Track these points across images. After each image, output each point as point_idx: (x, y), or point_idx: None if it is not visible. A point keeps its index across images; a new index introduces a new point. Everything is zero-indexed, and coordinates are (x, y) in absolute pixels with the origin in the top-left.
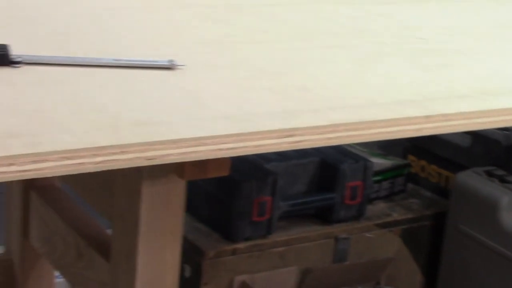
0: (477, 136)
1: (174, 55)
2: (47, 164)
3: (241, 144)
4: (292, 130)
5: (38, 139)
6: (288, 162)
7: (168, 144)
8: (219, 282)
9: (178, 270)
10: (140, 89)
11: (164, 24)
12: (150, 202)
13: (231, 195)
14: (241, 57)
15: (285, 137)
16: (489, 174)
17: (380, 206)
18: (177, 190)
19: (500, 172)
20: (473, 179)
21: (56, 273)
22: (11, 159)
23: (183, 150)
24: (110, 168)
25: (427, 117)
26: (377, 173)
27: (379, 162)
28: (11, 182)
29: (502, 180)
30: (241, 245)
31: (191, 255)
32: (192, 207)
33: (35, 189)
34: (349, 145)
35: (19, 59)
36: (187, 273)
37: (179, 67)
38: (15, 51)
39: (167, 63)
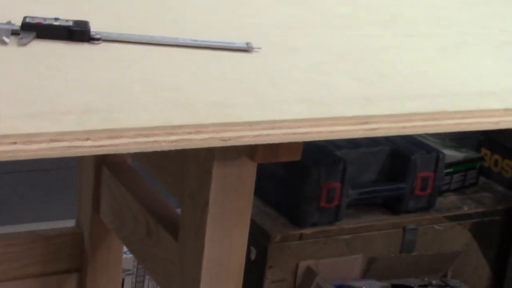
0: None
1: (251, 38)
2: (122, 140)
3: (315, 129)
4: (367, 118)
5: (114, 115)
6: (358, 150)
7: (243, 126)
8: (284, 266)
9: (245, 252)
10: (216, 70)
11: (242, 6)
12: (221, 183)
13: (300, 180)
14: (319, 41)
15: (360, 124)
16: None
17: (450, 199)
18: (248, 172)
19: None
20: None
21: (124, 249)
22: (87, 134)
23: (258, 132)
24: (184, 148)
25: (506, 110)
26: (449, 165)
27: (451, 154)
28: (84, 156)
29: None
30: (307, 231)
31: (258, 238)
32: (261, 191)
33: (107, 165)
34: (421, 135)
35: (98, 36)
36: (253, 256)
37: (256, 49)
38: (94, 28)
39: (244, 45)
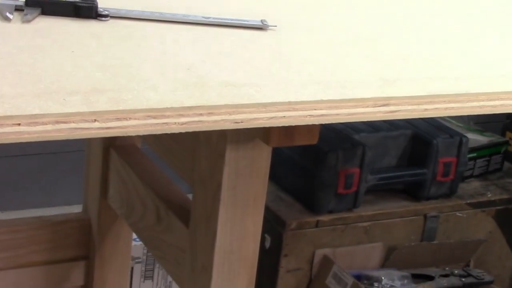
0: None
1: (266, 15)
2: (131, 122)
3: (333, 112)
4: (387, 99)
5: (123, 96)
6: (378, 133)
7: (257, 107)
8: (300, 254)
9: (259, 239)
10: (229, 49)
11: None
12: (234, 168)
13: (316, 165)
14: (337, 20)
15: (379, 106)
16: None
17: (473, 185)
18: (262, 156)
19: None
20: None
21: (134, 236)
22: (94, 115)
23: (272, 114)
24: (195, 130)
25: None
26: (473, 149)
27: (475, 138)
28: (92, 139)
29: None
30: (324, 218)
31: (273, 226)
32: (276, 176)
33: (115, 148)
34: (443, 118)
35: (106, 12)
36: (268, 244)
37: (271, 27)
38: (102, 4)
39: (259, 23)
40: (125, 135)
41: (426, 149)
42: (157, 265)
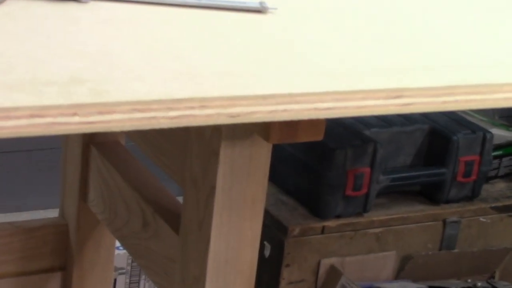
0: None
1: None
2: (115, 116)
3: (340, 104)
4: (401, 90)
5: (105, 87)
6: (391, 129)
7: (255, 99)
8: (304, 264)
9: (258, 248)
10: (224, 35)
11: None
12: (229, 167)
13: (322, 164)
14: (344, 3)
15: (392, 98)
16: None
17: (499, 186)
18: (261, 154)
19: None
20: None
21: (117, 243)
22: (74, 109)
23: (273, 107)
24: (186, 125)
25: None
26: (498, 147)
27: (500, 134)
28: (70, 135)
29: None
30: (331, 223)
31: (273, 232)
32: (277, 176)
33: (96, 145)
34: (465, 112)
35: None
36: (267, 252)
37: (270, 10)
38: None
39: (257, 5)
40: (108, 130)
41: (445, 146)
42: (143, 277)
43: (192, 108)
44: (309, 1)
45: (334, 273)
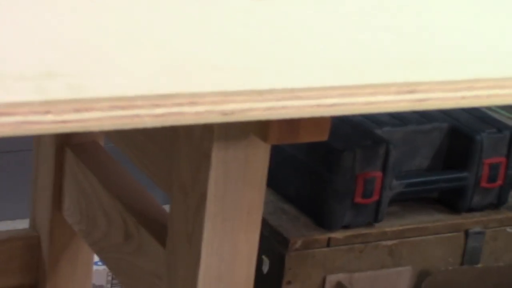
0: None
1: None
2: (93, 114)
3: (347, 100)
4: (414, 85)
5: (82, 81)
6: (406, 128)
7: (251, 95)
8: (307, 281)
9: (255, 262)
10: (217, 22)
11: None
12: (222, 171)
13: (328, 167)
14: None
15: (405, 94)
16: None
17: None
18: (259, 157)
19: None
20: None
21: (95, 258)
22: (47, 106)
23: (271, 104)
24: (174, 124)
25: None
26: None
27: None
28: (43, 136)
29: None
30: (338, 235)
31: (272, 245)
32: (276, 182)
33: (71, 147)
34: (490, 108)
35: None
36: (266, 268)
37: None
38: None
39: None
40: (85, 130)
41: (467, 147)
42: None
43: (180, 104)
44: None
45: None
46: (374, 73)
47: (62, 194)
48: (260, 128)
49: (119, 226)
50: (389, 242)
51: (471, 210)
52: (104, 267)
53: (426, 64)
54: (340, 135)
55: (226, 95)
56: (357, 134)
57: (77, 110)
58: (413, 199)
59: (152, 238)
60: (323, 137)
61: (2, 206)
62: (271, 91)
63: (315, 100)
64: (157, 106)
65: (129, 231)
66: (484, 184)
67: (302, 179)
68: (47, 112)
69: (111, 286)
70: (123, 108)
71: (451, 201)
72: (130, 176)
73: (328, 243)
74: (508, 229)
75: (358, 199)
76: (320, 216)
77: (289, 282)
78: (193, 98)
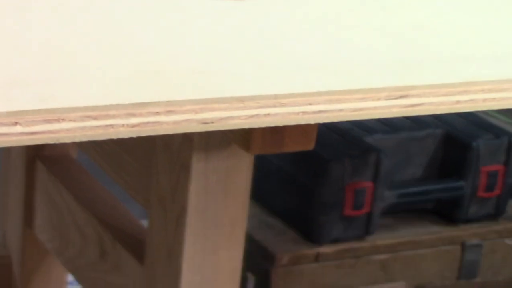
0: None
1: None
2: (65, 124)
3: (334, 107)
4: (406, 89)
5: (53, 90)
6: (398, 135)
7: (232, 102)
8: None
9: (239, 280)
10: (195, 24)
11: None
12: (203, 184)
13: (315, 178)
14: None
15: (396, 99)
16: None
17: None
18: (241, 168)
19: None
20: None
21: (70, 277)
22: (14, 116)
23: (253, 111)
24: (150, 134)
25: None
26: None
27: None
28: (11, 148)
29: None
30: (327, 249)
31: (257, 261)
32: (261, 194)
33: (43, 159)
34: (487, 113)
35: None
36: (251, 285)
37: None
38: None
39: None
40: (56, 142)
41: (463, 155)
42: None
43: (157, 113)
44: None
45: None
46: (363, 78)
47: (33, 210)
48: (243, 138)
49: (94, 242)
50: (382, 257)
51: (468, 221)
52: (79, 286)
53: (419, 67)
54: (327, 143)
55: (206, 103)
56: (346, 143)
57: (47, 121)
58: (407, 211)
59: (129, 254)
60: (309, 146)
61: None
62: (253, 98)
63: (300, 107)
64: (132, 115)
65: (104, 247)
66: (481, 193)
67: (289, 191)
68: (16, 123)
69: None
70: (96, 118)
71: (446, 212)
72: (105, 189)
73: (317, 258)
74: (507, 241)
75: (348, 211)
76: (308, 229)
77: None
78: (171, 106)
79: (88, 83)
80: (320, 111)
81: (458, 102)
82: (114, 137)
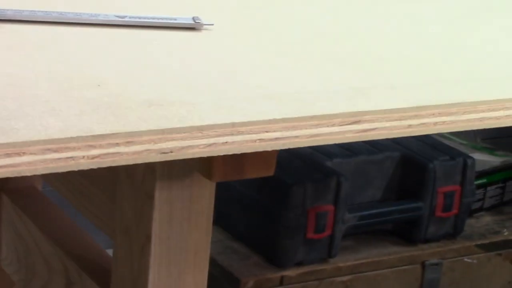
0: None
1: (201, 11)
2: (26, 158)
3: (290, 134)
4: (358, 115)
5: (13, 124)
6: (356, 158)
7: (190, 132)
8: None
9: None
10: (152, 57)
11: None
12: (166, 212)
13: (278, 203)
14: (291, 14)
15: (349, 124)
16: None
17: (484, 220)
18: (203, 195)
19: None
20: None
21: None
22: None
23: (211, 140)
24: (111, 165)
25: None
26: (482, 174)
27: (484, 159)
28: None
29: None
30: (291, 272)
31: (223, 286)
32: (225, 220)
33: (7, 192)
34: (442, 135)
35: None
36: None
37: (206, 27)
38: None
39: (191, 22)
40: (18, 175)
41: (420, 176)
42: None
43: (117, 145)
44: (249, 16)
45: None
46: (317, 105)
47: None
48: (204, 166)
49: (60, 273)
50: (344, 278)
51: (427, 241)
52: None
53: (371, 93)
54: (289, 168)
55: (164, 133)
56: (307, 167)
57: (8, 155)
58: (367, 232)
59: (95, 284)
60: (270, 172)
61: None
62: (211, 127)
63: (257, 134)
64: (92, 147)
65: (71, 278)
66: (439, 213)
67: (252, 216)
68: None
69: None
70: (56, 150)
71: (406, 232)
72: (71, 220)
73: (281, 281)
74: (466, 259)
75: (311, 235)
76: (272, 253)
77: None
78: (130, 137)
79: (48, 117)
80: (276, 138)
81: (410, 126)
82: (75, 168)
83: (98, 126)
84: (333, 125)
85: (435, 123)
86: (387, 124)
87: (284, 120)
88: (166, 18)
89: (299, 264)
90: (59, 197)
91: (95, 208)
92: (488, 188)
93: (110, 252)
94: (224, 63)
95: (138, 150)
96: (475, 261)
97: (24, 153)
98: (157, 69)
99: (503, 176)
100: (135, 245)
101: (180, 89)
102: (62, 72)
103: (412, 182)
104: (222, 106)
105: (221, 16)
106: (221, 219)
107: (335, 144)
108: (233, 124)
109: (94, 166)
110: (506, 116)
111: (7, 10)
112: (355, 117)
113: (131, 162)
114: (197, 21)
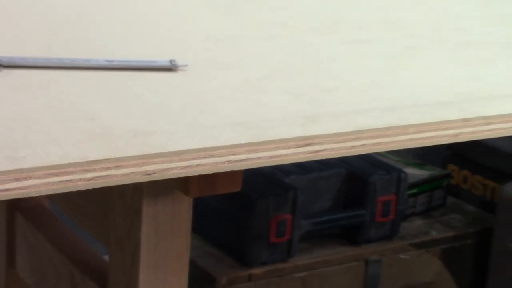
0: None
1: (176, 54)
2: (32, 181)
3: (253, 155)
4: (310, 138)
5: (20, 153)
6: (310, 175)
7: (169, 156)
8: None
9: None
10: (136, 94)
11: (164, 18)
12: (152, 224)
13: (245, 213)
14: (253, 54)
15: (302, 146)
16: None
17: (416, 224)
18: (183, 209)
19: None
20: None
21: None
22: None
23: (187, 163)
24: (103, 185)
25: (465, 120)
26: (413, 185)
27: (414, 173)
28: None
29: None
30: (257, 271)
31: (202, 283)
32: (201, 228)
33: (21, 211)
34: (380, 154)
35: None
36: None
37: (181, 67)
38: None
39: (168, 64)
40: (26, 196)
41: (362, 188)
42: None
43: (108, 168)
44: (218, 57)
45: None
46: (276, 130)
47: (14, 252)
48: (182, 184)
49: (66, 278)
50: (302, 274)
51: (369, 241)
52: None
53: (320, 120)
54: (254, 184)
55: (147, 158)
56: (269, 183)
57: (17, 179)
58: (320, 236)
59: (95, 285)
60: (237, 188)
61: None
62: (186, 152)
63: (226, 157)
64: (87, 171)
65: (75, 281)
66: (378, 219)
67: (225, 225)
68: None
69: None
70: (57, 175)
71: (351, 235)
72: (73, 233)
73: (250, 278)
74: (401, 256)
75: (273, 239)
76: (242, 255)
77: None
78: (119, 162)
79: (50, 146)
80: (242, 160)
81: (353, 146)
82: (73, 189)
83: (92, 153)
84: (289, 148)
85: (374, 144)
86: (334, 146)
87: (248, 144)
88: (147, 61)
89: (264, 263)
90: (63, 214)
91: (92, 222)
92: (418, 197)
93: (107, 258)
94: (197, 97)
95: (126, 173)
96: (409, 257)
97: (30, 178)
98: (141, 104)
99: (431, 187)
100: (127, 253)
101: (161, 120)
102: (60, 108)
103: (356, 193)
104: (196, 134)
105: (194, 57)
106: (199, 228)
107: (292, 163)
108: (205, 149)
109: (89, 187)
110: (432, 136)
111: (15, 57)
112: (307, 140)
113: (120, 182)
114: (173, 63)
